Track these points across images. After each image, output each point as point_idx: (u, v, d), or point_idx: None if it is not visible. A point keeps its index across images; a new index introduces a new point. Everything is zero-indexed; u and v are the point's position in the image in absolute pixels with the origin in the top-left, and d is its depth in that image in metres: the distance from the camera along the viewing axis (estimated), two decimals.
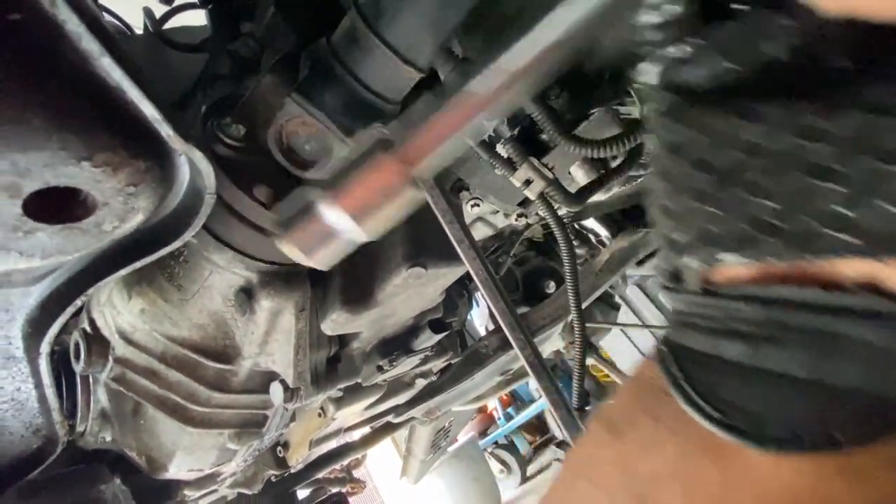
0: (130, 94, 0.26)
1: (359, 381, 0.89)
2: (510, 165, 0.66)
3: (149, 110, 0.27)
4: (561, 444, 4.42)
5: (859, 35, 0.19)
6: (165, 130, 0.28)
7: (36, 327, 0.39)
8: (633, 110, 0.69)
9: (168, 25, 0.86)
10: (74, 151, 0.27)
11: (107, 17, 0.86)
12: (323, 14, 0.67)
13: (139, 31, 0.94)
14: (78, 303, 0.38)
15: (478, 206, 1.13)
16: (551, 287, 2.05)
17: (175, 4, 0.87)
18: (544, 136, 0.70)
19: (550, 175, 0.66)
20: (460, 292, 1.37)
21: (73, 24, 0.23)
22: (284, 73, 0.54)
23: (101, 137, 0.28)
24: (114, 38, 0.25)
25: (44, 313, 0.39)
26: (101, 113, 0.28)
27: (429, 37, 0.51)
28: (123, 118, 0.28)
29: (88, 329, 0.73)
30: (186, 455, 0.85)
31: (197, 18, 0.86)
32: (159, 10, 0.86)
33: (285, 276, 0.67)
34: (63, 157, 0.27)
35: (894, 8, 0.18)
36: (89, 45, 0.24)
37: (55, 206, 0.29)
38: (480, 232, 1.27)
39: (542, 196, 0.67)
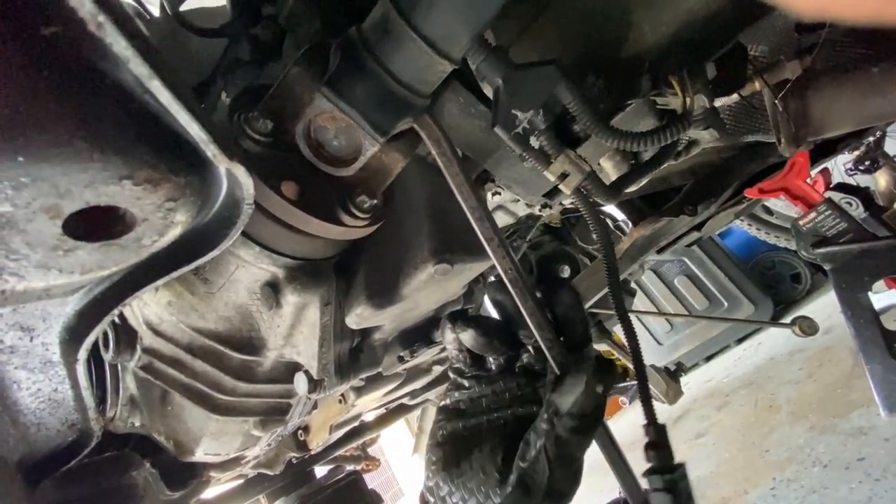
0: (178, 116, 0.25)
1: (380, 370, 0.90)
2: (544, 158, 0.63)
3: (196, 132, 0.25)
4: None
5: None
6: (212, 151, 0.26)
7: (73, 334, 0.39)
8: (672, 102, 0.66)
9: (184, 7, 0.83)
10: (116, 171, 0.26)
11: None
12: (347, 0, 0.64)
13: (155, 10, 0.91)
14: (115, 312, 0.38)
15: (499, 194, 1.11)
16: (566, 272, 2.03)
17: None
18: (576, 127, 0.67)
19: (588, 167, 0.63)
20: (476, 278, 1.36)
21: (120, 46, 0.22)
22: (312, 65, 0.52)
23: (143, 156, 0.26)
24: (162, 57, 0.23)
25: (81, 321, 0.39)
26: (143, 131, 0.26)
27: (465, 28, 0.48)
28: (164, 134, 0.27)
29: (117, 320, 0.73)
30: (212, 440, 0.86)
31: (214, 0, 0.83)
32: None
33: (311, 271, 0.67)
34: (104, 178, 0.25)
35: (865, 10, 0.18)
36: (138, 68, 0.22)
37: (94, 224, 0.28)
38: (501, 220, 1.25)
39: (577, 190, 0.65)
